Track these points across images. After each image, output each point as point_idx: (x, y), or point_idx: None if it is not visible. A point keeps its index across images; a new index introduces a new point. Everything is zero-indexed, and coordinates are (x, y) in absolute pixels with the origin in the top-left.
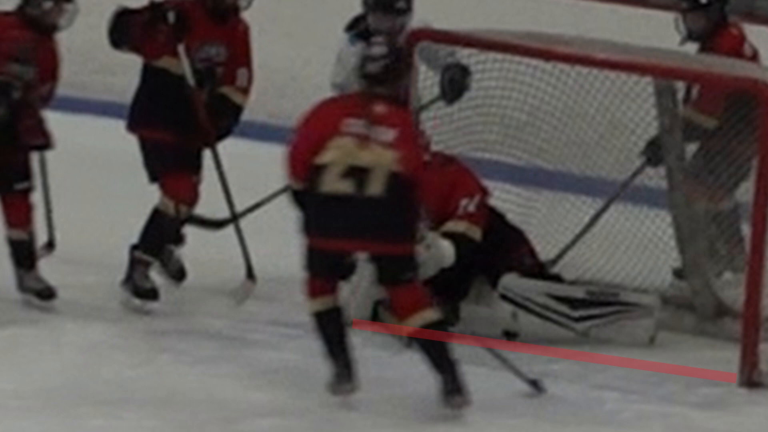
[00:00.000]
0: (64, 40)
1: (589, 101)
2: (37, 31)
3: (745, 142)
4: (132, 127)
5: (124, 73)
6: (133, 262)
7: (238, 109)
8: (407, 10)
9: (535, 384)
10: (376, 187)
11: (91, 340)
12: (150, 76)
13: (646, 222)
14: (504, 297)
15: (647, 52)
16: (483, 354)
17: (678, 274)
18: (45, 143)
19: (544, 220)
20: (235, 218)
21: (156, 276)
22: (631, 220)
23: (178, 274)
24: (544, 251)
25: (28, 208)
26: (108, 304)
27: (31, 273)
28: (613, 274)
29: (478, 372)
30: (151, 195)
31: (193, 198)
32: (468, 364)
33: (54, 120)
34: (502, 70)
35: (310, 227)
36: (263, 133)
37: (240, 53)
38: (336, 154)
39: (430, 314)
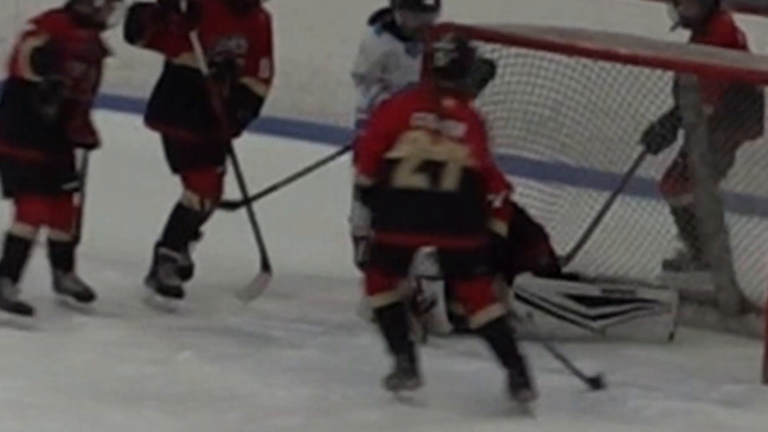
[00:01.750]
0: None
1: (613, 96)
2: (87, 28)
3: (734, 131)
4: (151, 122)
5: (143, 68)
6: (158, 260)
7: (259, 100)
8: (436, 7)
9: (595, 381)
10: (450, 181)
11: (110, 337)
12: (170, 72)
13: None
14: (519, 297)
15: (671, 47)
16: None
17: (667, 266)
18: (93, 142)
19: (566, 216)
20: (248, 201)
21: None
22: (649, 214)
23: (185, 272)
24: (567, 247)
25: (73, 210)
26: (127, 301)
27: (69, 274)
28: (637, 270)
29: (493, 367)
30: (171, 190)
31: (216, 192)
32: (480, 358)
33: None
34: (524, 65)
35: (379, 222)
36: (285, 128)
37: (261, 44)
38: (410, 148)
39: (498, 309)
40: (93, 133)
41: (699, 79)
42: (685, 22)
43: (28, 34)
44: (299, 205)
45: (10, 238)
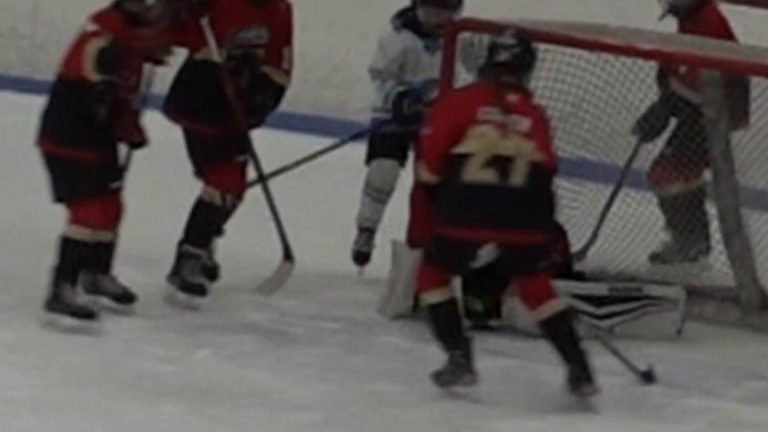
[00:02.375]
0: None
1: (634, 92)
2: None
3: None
4: (171, 114)
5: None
6: (181, 257)
7: (280, 90)
8: (458, 4)
9: (648, 375)
10: (518, 176)
11: (128, 334)
12: (191, 66)
13: None
14: None
15: (693, 42)
16: (520, 347)
17: (654, 258)
18: (141, 140)
19: (587, 212)
20: (263, 178)
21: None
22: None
23: (211, 273)
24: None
25: (119, 209)
26: (147, 298)
27: (107, 276)
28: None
29: (514, 365)
30: (190, 187)
31: (238, 187)
32: (503, 356)
33: None
34: (545, 61)
35: (446, 216)
36: (304, 124)
37: (283, 33)
38: (479, 143)
39: (559, 304)
40: (141, 130)
41: (691, 68)
42: (674, 10)
43: (91, 35)
44: (318, 202)
45: (67, 242)
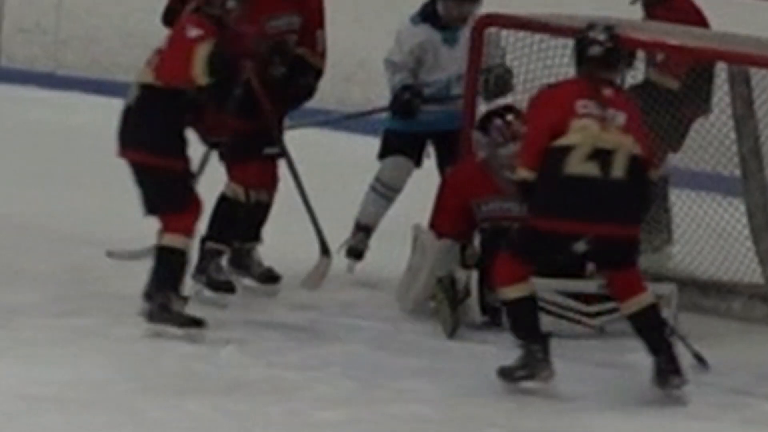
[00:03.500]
0: (120, 26)
1: None
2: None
3: (689, 107)
4: None
5: None
6: (206, 254)
7: (317, 72)
8: None
9: (699, 358)
10: (618, 169)
11: (153, 331)
12: None
13: (719, 211)
14: None
15: (719, 37)
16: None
17: None
18: (222, 141)
19: None
20: (296, 176)
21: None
22: (704, 209)
23: (266, 277)
24: None
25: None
26: None
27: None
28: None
29: (563, 364)
30: (207, 183)
31: (263, 181)
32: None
33: (117, 107)
34: (564, 57)
35: (542, 209)
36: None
37: (315, 17)
38: (581, 135)
39: (647, 297)
40: (226, 131)
41: (668, 53)
42: None
43: (197, 41)
44: (344, 202)
45: (171, 251)
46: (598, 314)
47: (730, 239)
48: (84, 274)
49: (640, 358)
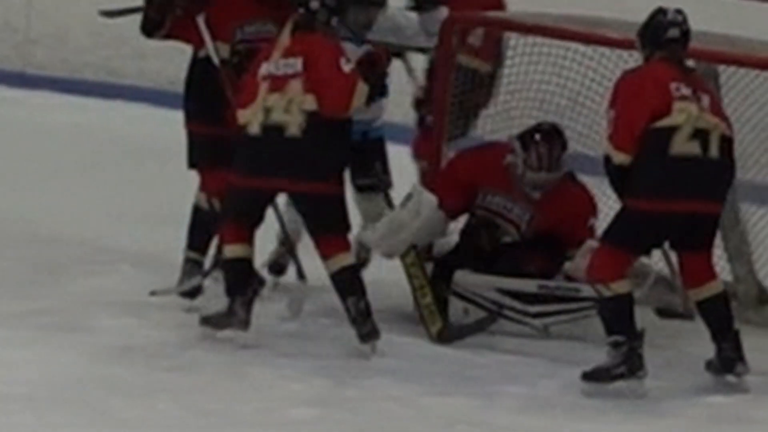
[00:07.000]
0: (96, 25)
1: None
2: None
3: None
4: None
5: (156, 58)
6: (184, 262)
7: None
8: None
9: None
10: (714, 149)
11: (124, 331)
12: (192, 65)
13: None
14: (455, 293)
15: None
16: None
17: None
18: None
19: None
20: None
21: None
22: None
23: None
24: None
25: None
26: (143, 296)
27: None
28: None
29: (512, 360)
30: (189, 181)
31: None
32: (503, 352)
33: (86, 106)
34: (541, 54)
35: (646, 190)
36: None
37: None
38: (684, 116)
39: (717, 285)
40: None
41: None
42: None
43: (354, 75)
44: None
45: (234, 261)
46: (540, 315)
47: None
48: (54, 272)
49: (596, 354)
